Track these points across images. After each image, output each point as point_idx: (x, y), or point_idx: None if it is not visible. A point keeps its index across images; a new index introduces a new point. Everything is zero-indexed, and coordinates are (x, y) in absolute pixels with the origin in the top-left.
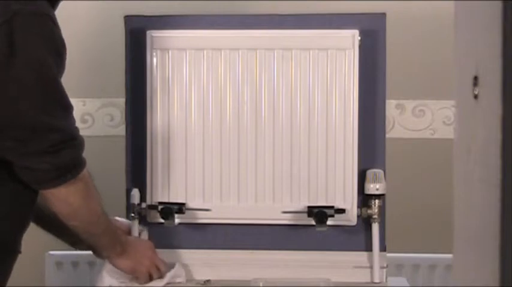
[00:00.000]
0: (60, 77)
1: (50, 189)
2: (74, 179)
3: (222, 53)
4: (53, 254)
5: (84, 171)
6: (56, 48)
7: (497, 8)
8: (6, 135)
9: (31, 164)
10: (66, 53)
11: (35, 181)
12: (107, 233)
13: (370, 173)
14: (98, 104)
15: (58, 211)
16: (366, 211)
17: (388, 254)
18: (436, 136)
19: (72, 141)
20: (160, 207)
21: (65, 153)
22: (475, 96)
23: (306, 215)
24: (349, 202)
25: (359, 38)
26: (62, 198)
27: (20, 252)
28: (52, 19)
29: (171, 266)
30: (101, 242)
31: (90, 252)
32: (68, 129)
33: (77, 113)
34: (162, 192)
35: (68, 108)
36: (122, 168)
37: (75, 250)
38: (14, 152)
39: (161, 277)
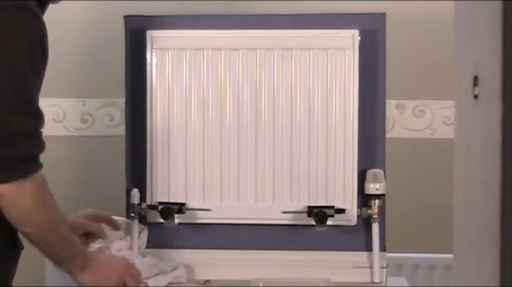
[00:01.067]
0: (35, 75)
1: None
2: (24, 180)
3: (222, 53)
4: None
5: (38, 175)
6: (32, 43)
7: (497, 8)
8: None
9: None
10: (46, 53)
11: None
12: (64, 243)
13: (370, 173)
14: (98, 104)
15: (6, 214)
16: (366, 211)
17: (388, 254)
18: (436, 136)
19: (30, 138)
20: (160, 207)
21: (20, 147)
22: (475, 96)
23: (306, 215)
24: (349, 202)
25: (359, 38)
26: (9, 199)
27: (22, 247)
28: (36, 14)
29: (174, 268)
30: (58, 253)
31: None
32: (26, 125)
33: (76, 113)
34: (162, 192)
35: (32, 109)
36: (122, 168)
37: None
38: None
39: (138, 285)
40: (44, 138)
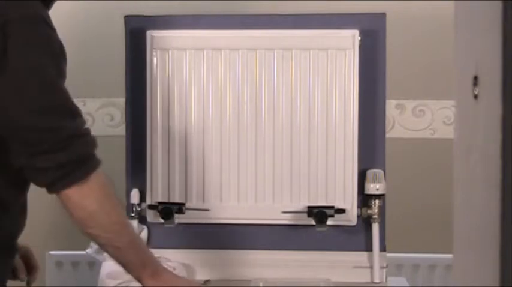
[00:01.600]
0: (62, 79)
1: (60, 191)
2: (86, 179)
3: (222, 53)
4: (53, 254)
5: (99, 171)
6: (53, 51)
7: (497, 8)
8: (12, 139)
9: (36, 163)
10: (65, 56)
11: (43, 182)
12: (134, 247)
13: (370, 173)
14: (98, 104)
15: (72, 215)
16: (366, 211)
17: (388, 254)
18: (436, 136)
19: (78, 138)
20: (160, 207)
21: (71, 150)
22: (475, 96)
23: (306, 215)
24: (349, 202)
25: (359, 38)
26: (74, 200)
27: (17, 250)
28: (46, 21)
29: (174, 268)
30: (128, 258)
31: (89, 252)
32: (73, 127)
33: None
34: (162, 192)
35: (71, 110)
36: (122, 168)
37: (74, 250)
38: (22, 154)
39: None
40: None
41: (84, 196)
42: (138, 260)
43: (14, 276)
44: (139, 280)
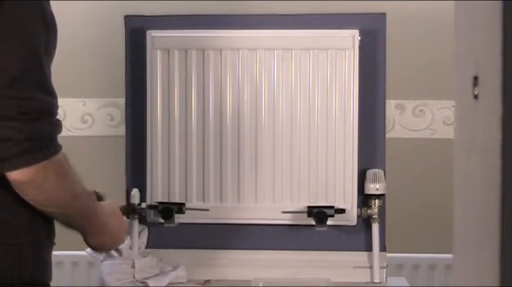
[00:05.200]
0: (48, 55)
1: (20, 168)
2: (48, 161)
3: (222, 53)
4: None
5: (60, 154)
6: (46, 21)
7: (497, 8)
8: None
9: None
10: (56, 30)
11: (3, 154)
12: (83, 215)
13: (370, 173)
14: (98, 104)
15: (28, 197)
16: (366, 211)
17: (388, 254)
18: (436, 136)
19: (51, 117)
20: (160, 207)
21: (37, 124)
22: (475, 96)
23: (306, 215)
24: (349, 202)
25: (359, 38)
26: (35, 184)
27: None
28: None
29: (174, 268)
30: (76, 223)
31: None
32: (46, 101)
33: (77, 113)
34: (162, 192)
35: (48, 88)
36: (122, 168)
37: (74, 250)
38: None
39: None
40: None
41: (44, 178)
42: (84, 225)
43: None
44: (84, 235)
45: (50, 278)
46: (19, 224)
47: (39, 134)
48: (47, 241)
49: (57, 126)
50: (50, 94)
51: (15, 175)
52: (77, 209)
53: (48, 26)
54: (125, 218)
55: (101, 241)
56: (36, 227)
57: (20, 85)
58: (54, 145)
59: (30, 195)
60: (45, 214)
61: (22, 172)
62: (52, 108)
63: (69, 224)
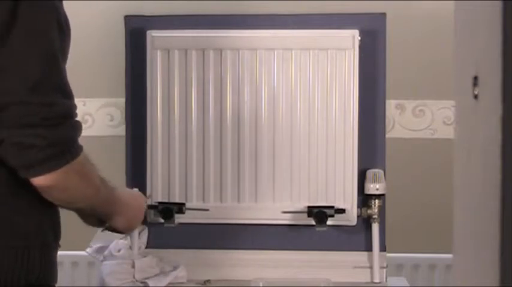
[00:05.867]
0: (63, 56)
1: (44, 174)
2: (71, 163)
3: (222, 53)
4: None
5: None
6: (60, 24)
7: (497, 8)
8: None
9: (22, 138)
10: (69, 32)
11: (28, 161)
12: (108, 202)
13: (370, 173)
14: (98, 104)
15: (53, 198)
16: (366, 211)
17: (388, 254)
18: (436, 136)
19: (70, 119)
20: (160, 207)
21: (60, 130)
22: (475, 96)
23: (306, 215)
24: (349, 202)
25: (359, 38)
26: (59, 186)
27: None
28: None
29: (175, 268)
30: (98, 211)
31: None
32: (67, 105)
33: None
34: (162, 192)
35: (67, 90)
36: (122, 168)
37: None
38: (1, 128)
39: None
40: None
41: (67, 179)
42: (109, 209)
43: None
44: (107, 218)
45: (55, 280)
46: (28, 227)
47: (62, 139)
48: (54, 242)
49: (78, 128)
50: (68, 97)
51: (39, 180)
52: (100, 199)
53: (62, 28)
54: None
55: (126, 220)
56: (45, 229)
57: (41, 90)
58: (75, 147)
59: (55, 197)
60: (69, 210)
61: (46, 177)
62: (73, 111)
63: (93, 214)
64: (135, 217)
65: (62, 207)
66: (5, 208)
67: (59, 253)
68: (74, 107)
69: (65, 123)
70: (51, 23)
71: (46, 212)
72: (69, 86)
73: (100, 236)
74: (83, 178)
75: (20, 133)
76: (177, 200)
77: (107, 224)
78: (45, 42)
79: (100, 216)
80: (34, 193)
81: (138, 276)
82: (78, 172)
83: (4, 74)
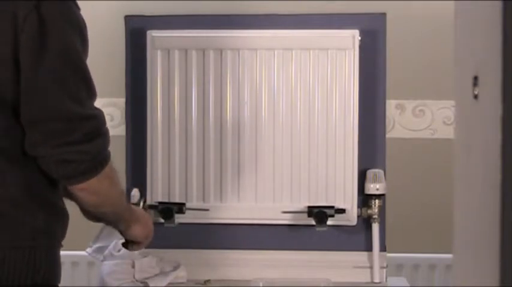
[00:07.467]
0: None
1: (83, 182)
2: (104, 171)
3: (222, 53)
4: None
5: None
6: (81, 33)
7: (497, 8)
8: (35, 129)
9: (66, 156)
10: (87, 38)
11: (69, 174)
12: (128, 208)
13: (370, 173)
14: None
15: (88, 202)
16: (366, 211)
17: (388, 254)
18: (436, 136)
19: (103, 128)
20: (160, 207)
21: (99, 141)
22: (475, 96)
23: (306, 215)
24: (349, 202)
25: (359, 38)
26: (91, 190)
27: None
28: (74, 1)
29: (175, 268)
30: (121, 216)
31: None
32: (99, 116)
33: None
34: (162, 192)
35: (95, 95)
36: (122, 168)
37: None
38: (43, 146)
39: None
40: None
41: (99, 183)
42: (129, 216)
43: None
44: (126, 228)
45: (59, 280)
46: (36, 227)
47: (100, 150)
48: (58, 243)
49: (108, 135)
50: (95, 99)
51: (76, 186)
52: (123, 204)
53: (84, 38)
54: None
55: (143, 227)
56: (52, 230)
57: (79, 105)
58: (107, 154)
59: (87, 200)
60: (94, 217)
61: (83, 183)
62: (104, 119)
63: (116, 221)
64: (151, 225)
65: (89, 212)
66: (16, 209)
67: (60, 252)
68: (103, 113)
69: (101, 134)
70: (75, 38)
71: (55, 213)
72: (94, 88)
73: (100, 236)
74: (111, 181)
75: (63, 151)
76: (177, 200)
77: (123, 241)
78: (76, 58)
79: (120, 224)
80: (45, 194)
81: (138, 276)
82: (107, 176)
83: (43, 92)
